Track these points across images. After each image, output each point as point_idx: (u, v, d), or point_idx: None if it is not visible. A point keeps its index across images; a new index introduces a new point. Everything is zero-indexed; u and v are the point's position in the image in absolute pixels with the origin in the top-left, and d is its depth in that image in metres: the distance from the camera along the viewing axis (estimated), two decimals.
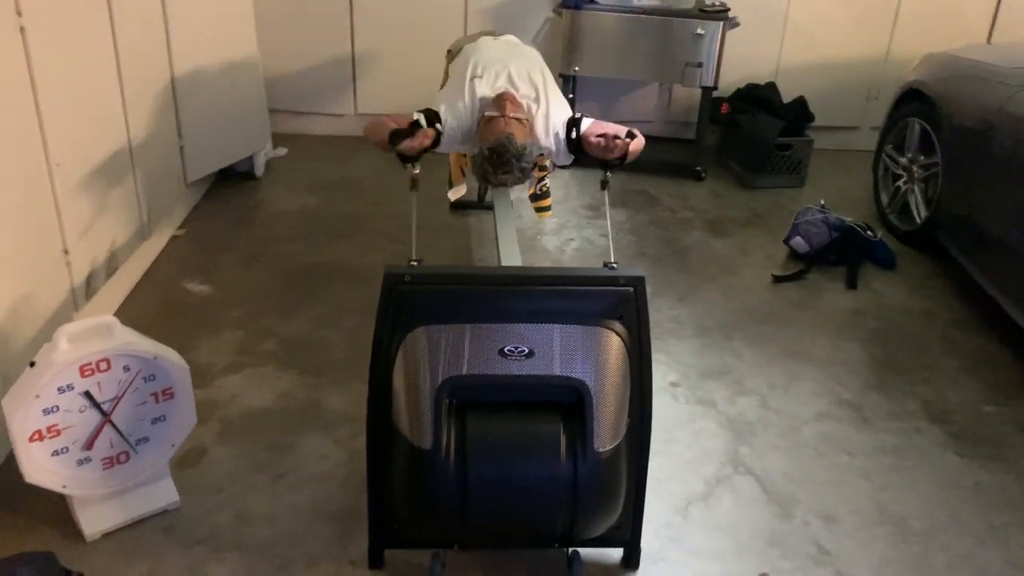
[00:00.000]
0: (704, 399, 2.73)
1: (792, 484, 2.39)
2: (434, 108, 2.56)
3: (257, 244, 3.58)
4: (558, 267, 1.86)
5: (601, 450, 1.82)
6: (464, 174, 3.12)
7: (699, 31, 4.06)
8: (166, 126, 3.43)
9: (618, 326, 1.84)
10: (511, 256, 2.35)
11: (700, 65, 4.13)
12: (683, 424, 2.61)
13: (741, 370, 2.89)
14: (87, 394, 2.03)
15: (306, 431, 2.48)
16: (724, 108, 4.49)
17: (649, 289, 3.34)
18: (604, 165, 2.49)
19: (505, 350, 1.81)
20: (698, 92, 4.33)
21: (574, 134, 2.56)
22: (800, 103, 4.46)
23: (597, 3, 4.15)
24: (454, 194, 2.78)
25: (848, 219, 3.62)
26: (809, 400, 2.75)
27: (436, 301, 1.82)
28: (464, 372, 1.80)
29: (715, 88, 4.23)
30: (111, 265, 2.90)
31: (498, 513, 1.83)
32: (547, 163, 2.89)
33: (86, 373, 2.01)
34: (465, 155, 2.82)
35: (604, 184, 2.52)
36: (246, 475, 2.33)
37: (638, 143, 2.49)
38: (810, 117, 4.44)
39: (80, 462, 2.07)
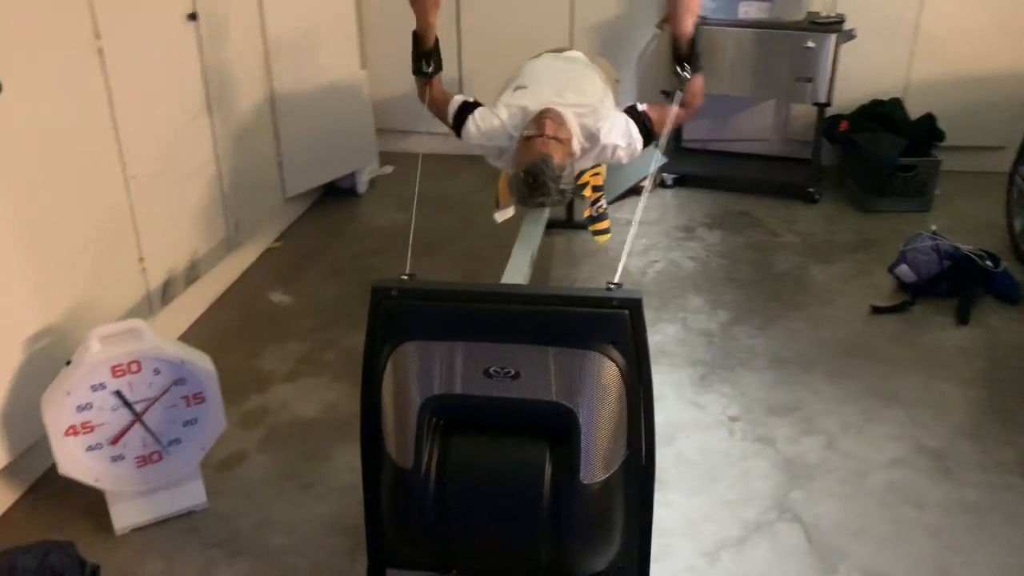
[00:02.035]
0: (763, 437, 2.53)
1: (843, 536, 2.16)
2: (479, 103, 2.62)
3: (344, 258, 3.67)
4: (551, 286, 1.77)
5: (589, 481, 1.71)
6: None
7: (809, 44, 3.82)
8: (264, 143, 3.59)
9: (612, 351, 1.73)
10: (515, 273, 2.26)
11: (811, 80, 3.87)
12: (733, 462, 2.43)
13: (813, 407, 2.66)
14: (118, 393, 2.13)
15: (343, 443, 2.50)
16: (842, 126, 4.19)
17: (728, 316, 3.19)
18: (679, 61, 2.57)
19: (490, 371, 1.74)
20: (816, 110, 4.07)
21: (640, 107, 2.61)
22: (928, 120, 4.09)
23: (702, 17, 3.99)
24: (501, 216, 2.75)
25: (965, 247, 3.27)
26: (884, 444, 2.49)
27: (422, 317, 1.78)
28: (448, 391, 1.75)
29: (828, 104, 3.96)
30: (191, 274, 3.06)
31: (479, 539, 1.76)
32: (601, 182, 2.79)
33: (117, 373, 2.12)
34: None
35: (678, 75, 2.61)
36: (277, 482, 2.38)
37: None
38: (939, 136, 4.06)
39: (114, 459, 2.18)
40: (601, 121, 2.49)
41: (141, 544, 2.17)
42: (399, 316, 1.79)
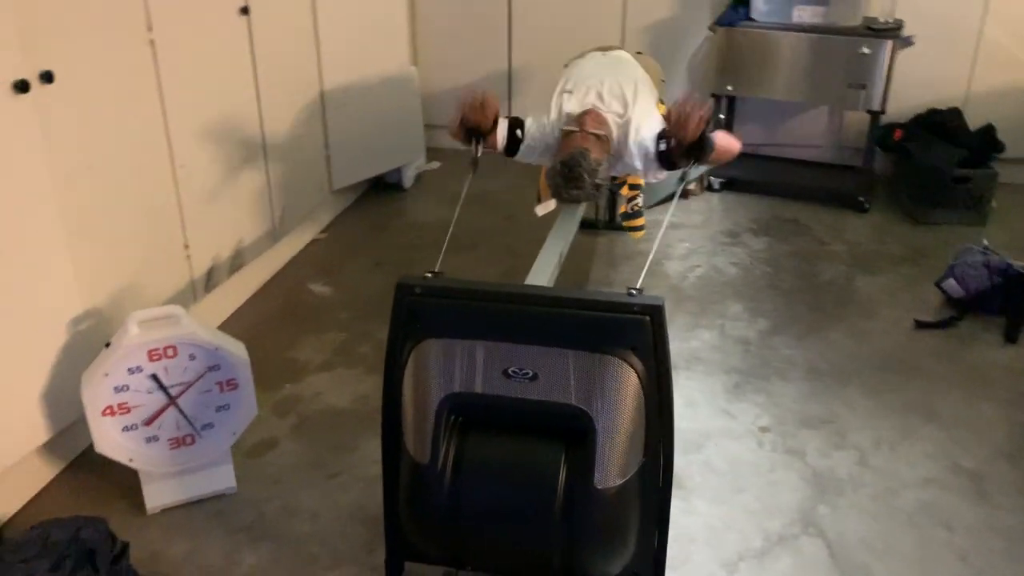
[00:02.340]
0: (794, 449, 2.49)
1: (868, 554, 2.12)
2: (521, 118, 2.56)
3: (387, 252, 3.72)
4: (575, 289, 1.77)
5: (603, 486, 1.71)
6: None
7: (864, 50, 3.73)
8: (312, 136, 3.65)
9: (631, 357, 1.73)
10: (539, 274, 2.26)
11: (864, 87, 3.79)
12: (760, 473, 2.40)
13: (847, 421, 2.61)
14: (154, 377, 2.20)
15: (371, 434, 2.53)
16: (897, 134, 4.09)
17: (767, 324, 3.15)
18: (686, 156, 2.38)
19: (509, 371, 1.75)
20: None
21: (663, 146, 2.45)
22: (987, 131, 3.97)
23: (754, 20, 3.94)
24: (542, 209, 2.75)
25: (1018, 264, 3.16)
26: (918, 462, 2.44)
27: (444, 315, 1.80)
28: (467, 389, 1.76)
29: (882, 112, 3.87)
30: (235, 262, 3.12)
31: (492, 538, 1.78)
32: (640, 181, 2.77)
33: (154, 357, 2.18)
34: None
35: (681, 181, 2.40)
36: (305, 470, 2.42)
37: (725, 141, 2.34)
38: (998, 147, 3.94)
39: (148, 440, 2.25)
40: (629, 138, 2.47)
41: (170, 524, 2.23)
42: (422, 313, 1.81)
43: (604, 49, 2.94)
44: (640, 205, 2.71)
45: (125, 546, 2.03)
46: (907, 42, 3.79)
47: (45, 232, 2.18)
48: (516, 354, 1.75)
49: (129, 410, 2.20)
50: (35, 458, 2.30)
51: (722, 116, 4.11)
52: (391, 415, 1.88)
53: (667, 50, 4.46)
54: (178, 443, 2.28)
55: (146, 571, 2.06)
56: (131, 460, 2.23)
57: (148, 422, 2.21)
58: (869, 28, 3.81)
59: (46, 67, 2.10)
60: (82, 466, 2.40)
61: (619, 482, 1.73)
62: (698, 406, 2.68)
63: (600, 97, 2.51)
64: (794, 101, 4.28)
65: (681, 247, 3.74)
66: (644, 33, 4.47)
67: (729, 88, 4.06)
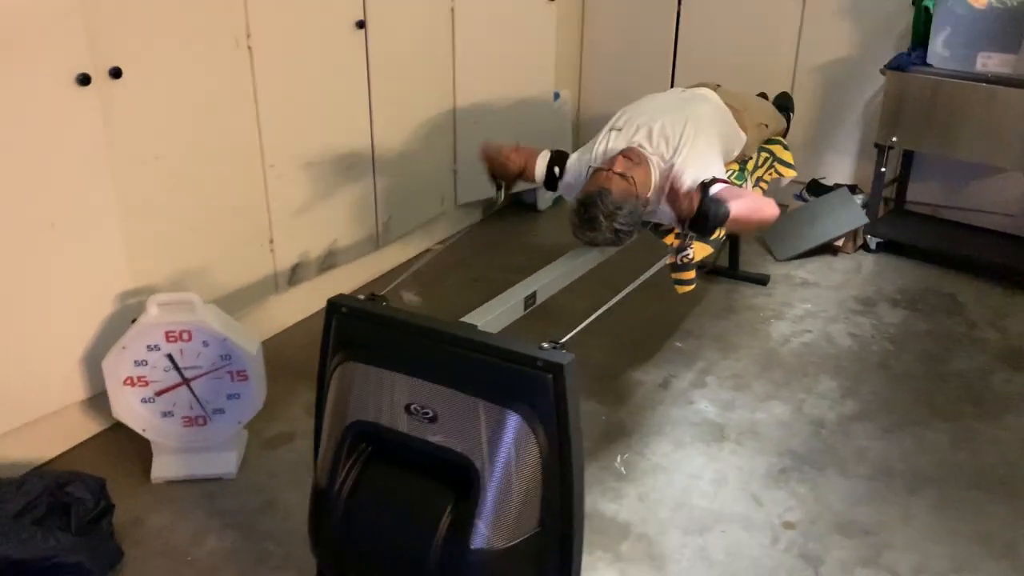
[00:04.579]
0: (811, 554, 2.17)
1: None
2: (566, 153, 2.47)
3: (491, 269, 3.72)
4: (491, 334, 1.63)
5: (482, 546, 1.60)
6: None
7: None
8: (436, 151, 3.73)
9: (529, 412, 1.59)
10: (487, 312, 2.08)
11: None
12: (758, 572, 2.11)
13: (893, 536, 2.23)
14: (169, 357, 2.36)
15: None
16: None
17: (855, 408, 2.77)
18: (694, 228, 2.16)
19: (412, 407, 1.69)
20: None
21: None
22: None
23: (931, 66, 3.48)
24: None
25: None
26: None
27: (364, 340, 1.77)
28: (372, 419, 1.72)
29: None
30: (326, 262, 3.27)
31: (373, 574, 1.72)
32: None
33: (171, 339, 2.34)
34: None
35: (676, 247, 2.30)
36: (302, 471, 2.47)
37: (748, 208, 2.10)
38: None
39: (164, 414, 2.41)
40: (667, 187, 2.28)
41: (164, 496, 2.38)
42: (343, 335, 1.79)
43: (696, 86, 2.74)
44: (690, 258, 2.48)
45: (108, 508, 2.19)
46: None
47: (99, 211, 2.40)
48: (421, 391, 1.68)
49: (147, 383, 2.38)
50: (76, 414, 2.55)
51: (883, 169, 3.67)
52: (318, 432, 1.87)
53: (840, 93, 4.10)
54: (191, 422, 2.43)
55: (122, 534, 2.21)
56: (144, 430, 2.41)
57: (159, 392, 2.37)
58: None
59: (114, 63, 2.33)
60: (119, 429, 2.62)
61: (502, 545, 1.61)
62: (725, 485, 2.42)
63: (649, 136, 2.34)
64: (976, 162, 3.73)
65: (800, 308, 3.39)
66: (817, 72, 4.12)
67: (894, 140, 3.62)
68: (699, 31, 4.36)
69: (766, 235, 3.94)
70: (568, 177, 2.47)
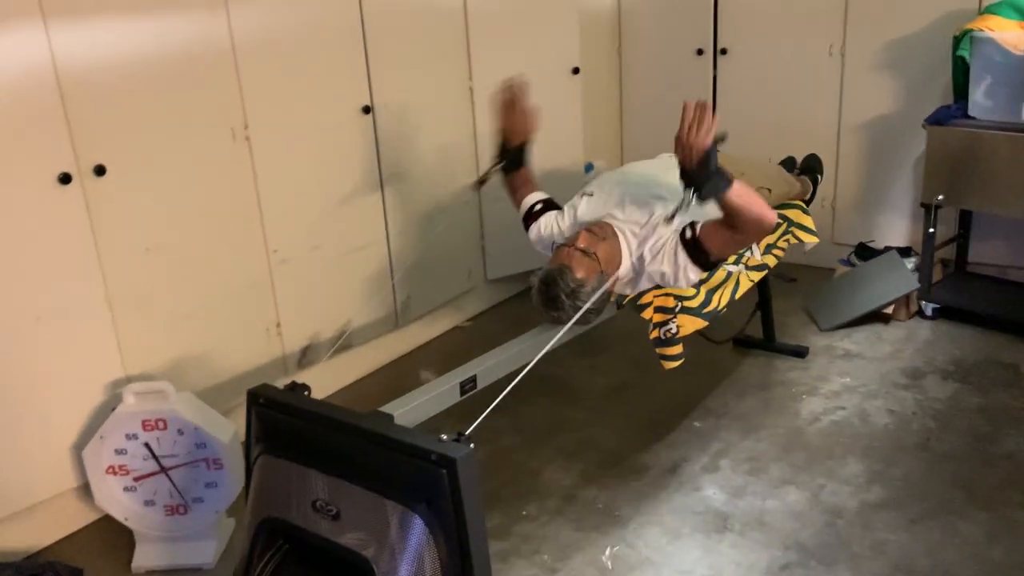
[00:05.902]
0: None
1: None
2: (556, 203, 2.54)
3: None
4: (394, 427, 1.54)
5: None
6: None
7: None
8: (461, 226, 3.72)
9: (424, 510, 1.50)
10: (410, 400, 1.96)
11: None
12: None
13: None
14: (147, 445, 2.38)
15: None
16: None
17: (881, 496, 2.52)
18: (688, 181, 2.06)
19: (317, 504, 1.62)
20: None
21: (688, 233, 2.20)
22: None
23: (972, 118, 3.23)
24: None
25: None
26: None
27: (277, 432, 1.73)
28: (281, 516, 1.67)
29: None
30: (340, 343, 3.27)
31: None
32: (672, 303, 2.38)
33: (147, 427, 2.36)
34: None
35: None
36: None
37: (748, 196, 2.04)
38: None
39: (146, 503, 2.43)
40: (648, 243, 2.17)
41: None
42: (262, 426, 1.75)
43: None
44: (674, 332, 2.32)
45: None
46: None
47: (87, 303, 2.48)
48: (328, 487, 1.62)
49: (128, 472, 2.40)
50: (72, 501, 2.60)
51: (932, 230, 3.40)
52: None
53: (887, 150, 3.89)
54: (172, 511, 2.43)
55: None
56: (127, 519, 2.42)
57: (138, 479, 2.39)
58: None
59: (98, 161, 2.42)
60: (112, 519, 2.64)
61: None
62: None
63: (621, 204, 2.25)
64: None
65: (837, 382, 3.15)
66: (862, 130, 3.92)
67: (940, 198, 3.36)
68: (737, 94, 4.23)
69: (810, 304, 3.71)
70: (541, 229, 2.50)
